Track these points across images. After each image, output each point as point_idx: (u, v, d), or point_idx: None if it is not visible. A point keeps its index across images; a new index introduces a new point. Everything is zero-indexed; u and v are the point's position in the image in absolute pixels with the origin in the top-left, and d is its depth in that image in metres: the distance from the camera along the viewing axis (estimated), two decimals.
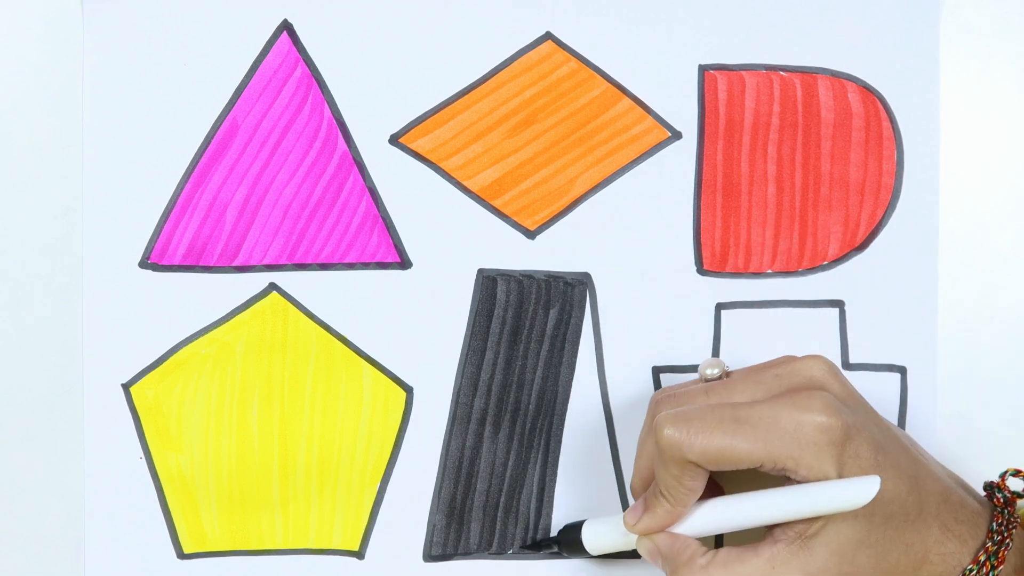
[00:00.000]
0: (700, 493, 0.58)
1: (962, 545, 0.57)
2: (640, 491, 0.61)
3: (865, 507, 0.55)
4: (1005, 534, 0.57)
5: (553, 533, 0.65)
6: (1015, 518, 0.58)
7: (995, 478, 0.60)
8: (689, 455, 0.56)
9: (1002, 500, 0.58)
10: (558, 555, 0.65)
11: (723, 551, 0.57)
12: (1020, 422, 0.66)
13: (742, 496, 0.58)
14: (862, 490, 0.54)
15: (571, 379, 0.65)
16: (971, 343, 0.66)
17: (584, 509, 0.65)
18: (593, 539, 0.62)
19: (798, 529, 0.56)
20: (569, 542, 0.63)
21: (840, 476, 0.55)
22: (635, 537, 0.60)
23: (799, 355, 0.59)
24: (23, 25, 0.65)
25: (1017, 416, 0.66)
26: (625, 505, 0.65)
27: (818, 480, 0.55)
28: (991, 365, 0.66)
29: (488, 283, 0.65)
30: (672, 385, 0.62)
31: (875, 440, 0.56)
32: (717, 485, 0.61)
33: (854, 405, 0.58)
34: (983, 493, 0.60)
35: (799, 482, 0.56)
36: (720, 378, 0.60)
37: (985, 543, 0.57)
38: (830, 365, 0.58)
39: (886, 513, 0.56)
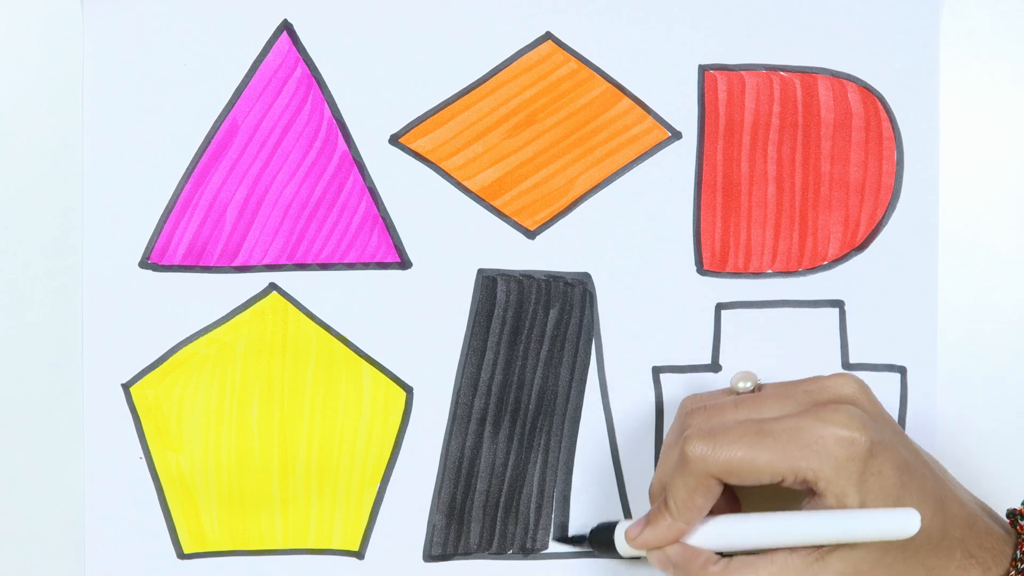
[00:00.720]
0: (705, 513, 0.57)
1: (985, 572, 0.56)
2: (657, 496, 0.60)
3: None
4: None
5: (565, 532, 0.65)
6: None
7: (1019, 505, 0.60)
8: (712, 468, 0.56)
9: None
10: (589, 553, 0.64)
11: (736, 559, 0.57)
12: (1020, 422, 0.66)
13: (775, 515, 0.57)
14: (903, 524, 0.54)
15: (571, 379, 0.65)
16: (971, 343, 0.66)
17: (584, 509, 0.65)
18: (626, 544, 0.61)
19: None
20: (601, 542, 0.63)
21: (860, 492, 0.55)
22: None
23: (829, 374, 0.59)
24: (23, 25, 0.65)
25: (1017, 416, 0.66)
26: (625, 505, 0.65)
27: (837, 496, 0.55)
28: (991, 365, 0.66)
29: (488, 283, 0.65)
30: (702, 394, 0.62)
31: (901, 460, 0.56)
32: (734, 503, 0.61)
33: (882, 424, 0.57)
34: (1007, 520, 0.60)
35: (821, 497, 0.55)
36: (752, 391, 0.60)
37: (1009, 572, 0.56)
38: (861, 383, 0.58)
39: (906, 540, 0.55)
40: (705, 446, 0.56)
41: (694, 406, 0.60)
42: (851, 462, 0.55)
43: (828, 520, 0.55)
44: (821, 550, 0.55)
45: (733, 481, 0.56)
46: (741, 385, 0.60)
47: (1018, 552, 0.57)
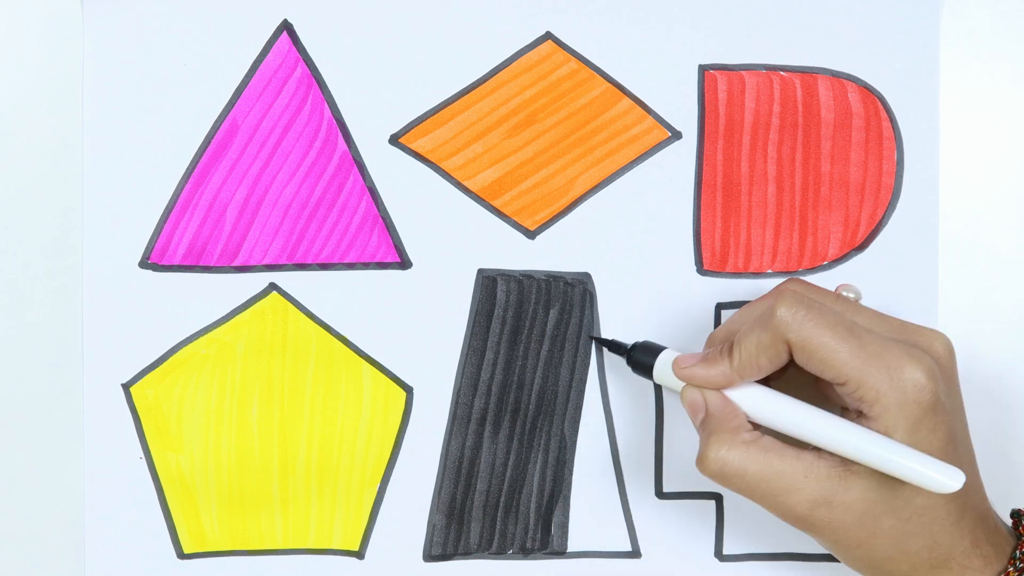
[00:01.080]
0: (762, 375, 0.57)
1: (986, 565, 0.56)
2: (719, 341, 0.59)
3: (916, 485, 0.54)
4: None
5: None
6: None
7: (1022, 505, 0.60)
8: (793, 334, 0.55)
9: None
10: (625, 361, 0.63)
11: (768, 438, 0.56)
12: (1020, 422, 0.66)
13: (829, 414, 0.56)
14: (947, 478, 0.53)
15: (571, 379, 0.65)
16: (971, 343, 0.66)
17: (584, 509, 0.65)
18: (664, 366, 0.60)
19: (848, 461, 0.55)
20: (639, 360, 0.62)
21: (909, 436, 0.54)
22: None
23: (925, 326, 0.59)
24: (23, 25, 0.65)
25: (1017, 416, 0.66)
26: (625, 505, 0.65)
27: (887, 427, 0.54)
28: (991, 365, 0.66)
29: (488, 283, 0.65)
30: (807, 283, 0.60)
31: (955, 431, 0.56)
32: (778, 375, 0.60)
33: (952, 391, 0.57)
34: (1011, 520, 0.60)
35: (870, 421, 0.55)
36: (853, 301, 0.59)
37: (1007, 568, 0.57)
38: (950, 347, 0.58)
39: (929, 503, 0.55)
40: (797, 312, 0.55)
41: (798, 284, 0.59)
42: (915, 405, 0.54)
43: (878, 440, 0.54)
44: (848, 466, 0.55)
45: (803, 360, 0.55)
46: (845, 293, 0.60)
47: (1017, 552, 0.57)
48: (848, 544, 0.56)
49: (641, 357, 0.62)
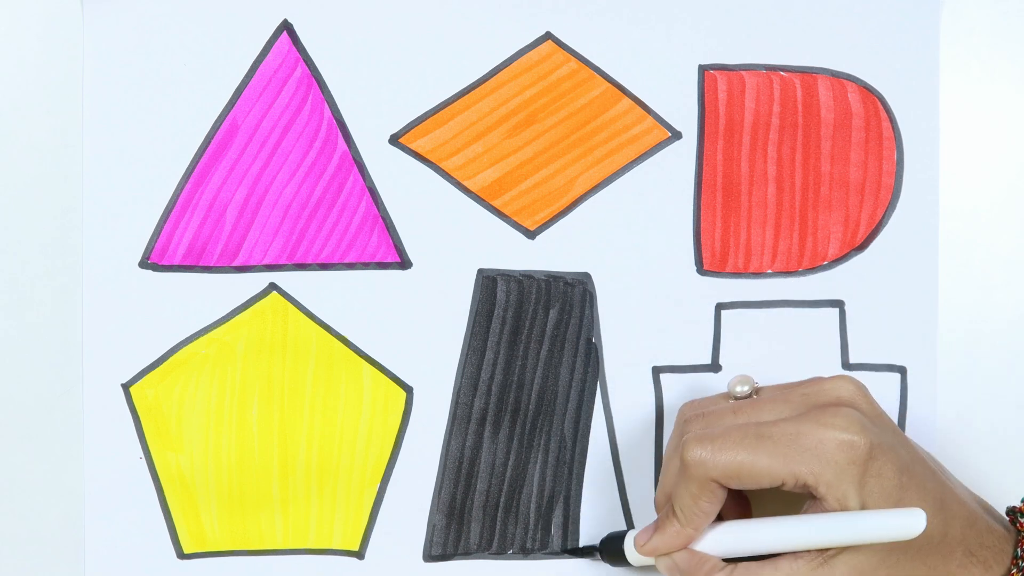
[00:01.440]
0: (712, 517, 0.58)
1: (986, 571, 0.56)
2: (663, 506, 0.61)
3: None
4: None
5: (575, 543, 0.65)
6: None
7: (1018, 503, 0.60)
8: (712, 472, 0.56)
9: None
10: (598, 561, 0.64)
11: (742, 566, 0.57)
12: (1020, 422, 0.66)
13: (781, 519, 0.57)
14: (909, 524, 0.53)
15: (571, 379, 0.65)
16: (971, 343, 0.66)
17: (584, 509, 0.65)
18: (635, 553, 0.61)
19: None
20: (611, 551, 0.63)
21: (861, 495, 0.55)
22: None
23: (827, 376, 0.59)
24: (23, 25, 0.65)
25: (1017, 416, 0.66)
26: (625, 505, 0.65)
27: (838, 499, 0.55)
28: (991, 365, 0.66)
29: (488, 283, 0.65)
30: (700, 400, 0.62)
31: (901, 461, 0.56)
32: (745, 506, 0.61)
33: (881, 426, 0.57)
34: (1007, 517, 0.60)
35: (822, 501, 0.55)
36: (749, 395, 0.60)
37: (1010, 570, 0.56)
38: (859, 385, 0.58)
39: (908, 544, 0.55)
40: (704, 451, 0.56)
41: (692, 413, 0.60)
42: (851, 465, 0.55)
43: (834, 523, 0.55)
44: (826, 554, 0.55)
45: (734, 485, 0.56)
46: (739, 389, 0.60)
47: (1019, 550, 0.57)
48: None
49: (610, 552, 0.63)
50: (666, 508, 0.59)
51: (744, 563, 0.57)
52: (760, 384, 0.61)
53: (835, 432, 0.55)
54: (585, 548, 0.65)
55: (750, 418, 0.58)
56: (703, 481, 0.56)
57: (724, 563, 0.57)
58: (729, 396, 0.60)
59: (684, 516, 0.57)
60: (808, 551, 0.56)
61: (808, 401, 0.58)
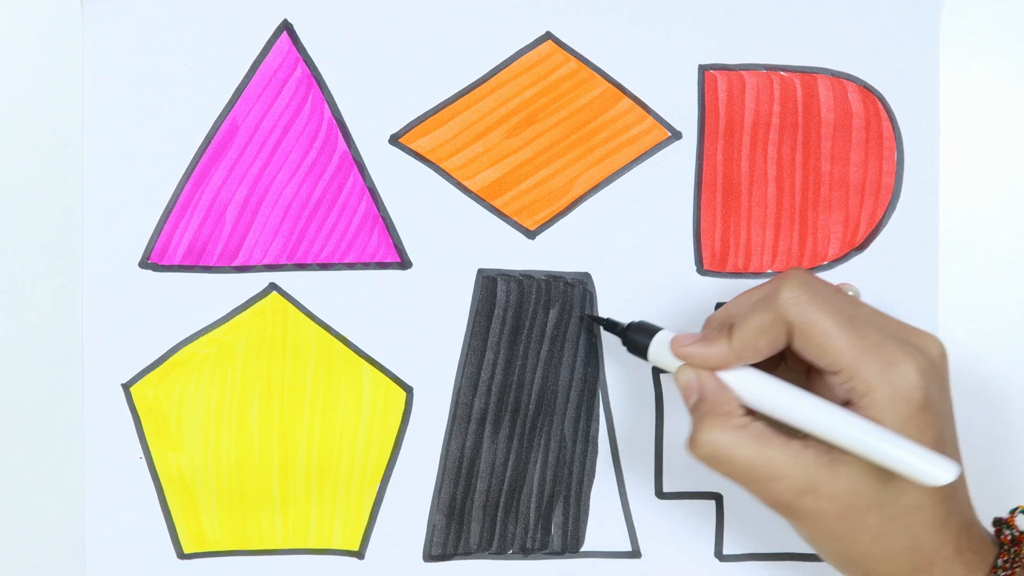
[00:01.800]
0: (760, 357, 0.56)
1: (968, 572, 0.56)
2: (716, 323, 0.59)
3: (904, 483, 0.54)
4: (1008, 571, 0.56)
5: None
6: (1020, 557, 0.57)
7: (1006, 511, 0.60)
8: (794, 315, 0.55)
9: (1009, 538, 0.58)
10: (620, 340, 0.62)
11: (759, 424, 0.55)
12: (1020, 422, 0.66)
13: (820, 400, 0.55)
14: (940, 469, 0.53)
15: (571, 379, 0.65)
16: (971, 343, 0.66)
17: (584, 509, 0.65)
18: (660, 345, 0.59)
19: (835, 451, 0.55)
20: (634, 340, 0.60)
21: (896, 430, 0.54)
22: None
23: (922, 329, 0.58)
24: (23, 25, 0.65)
25: (1017, 416, 0.66)
26: (626, 505, 0.65)
27: (875, 419, 0.54)
28: (991, 365, 0.66)
29: (488, 283, 0.65)
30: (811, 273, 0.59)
31: (942, 434, 0.55)
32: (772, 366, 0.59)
33: (944, 395, 0.57)
34: (993, 529, 0.59)
35: (855, 411, 0.54)
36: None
37: None
38: (944, 353, 0.57)
39: (915, 503, 0.55)
40: (801, 295, 0.55)
41: (802, 271, 0.57)
42: (905, 402, 0.54)
43: (870, 428, 0.54)
44: (836, 455, 0.54)
45: (800, 345, 0.55)
46: (846, 290, 0.59)
47: (998, 560, 0.57)
48: (830, 537, 0.56)
49: (637, 337, 0.60)
50: (722, 326, 0.57)
51: (759, 424, 0.56)
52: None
53: (910, 366, 0.54)
54: (609, 321, 0.63)
55: (850, 305, 0.56)
56: (780, 319, 0.55)
57: (744, 410, 0.56)
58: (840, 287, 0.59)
59: (740, 340, 0.56)
60: (818, 445, 0.55)
61: (902, 331, 0.57)
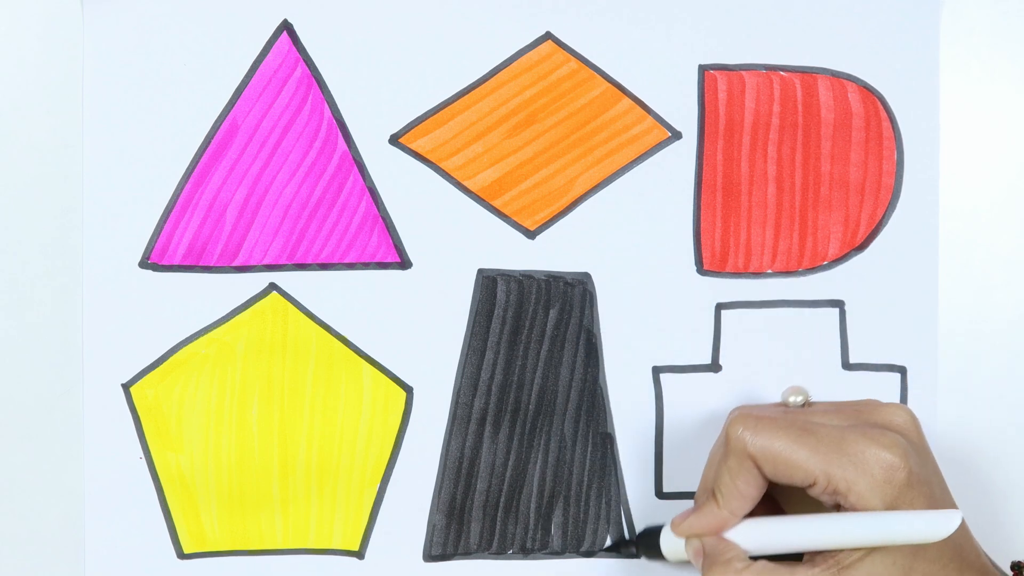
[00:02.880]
0: (749, 504, 0.58)
1: None
2: (701, 494, 0.61)
3: (911, 550, 0.54)
4: None
5: (616, 537, 0.65)
6: None
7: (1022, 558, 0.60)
8: (751, 448, 0.56)
9: None
10: (635, 556, 0.64)
11: (760, 563, 0.57)
12: (1020, 422, 0.66)
13: (811, 517, 0.57)
14: (943, 523, 0.53)
15: (571, 379, 0.65)
16: (971, 343, 0.66)
17: (584, 509, 0.65)
18: (671, 545, 0.61)
19: (838, 557, 0.56)
20: (647, 544, 0.63)
21: None
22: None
23: (884, 401, 0.60)
24: (23, 25, 0.65)
25: (1017, 416, 0.66)
26: (626, 506, 0.65)
27: (865, 511, 0.55)
28: (991, 365, 0.66)
29: (488, 283, 0.65)
30: (752, 405, 0.63)
31: (933, 497, 0.56)
32: (778, 509, 0.61)
33: (924, 459, 0.57)
34: (1011, 573, 0.60)
35: (848, 510, 0.55)
36: (803, 406, 0.60)
37: None
38: (912, 416, 0.59)
39: (928, 568, 0.56)
40: (747, 428, 0.56)
41: (745, 408, 0.60)
42: (888, 485, 0.55)
43: (861, 518, 0.55)
44: (841, 566, 0.55)
45: (770, 472, 0.56)
46: (792, 399, 0.61)
47: None
48: None
49: (646, 544, 0.63)
50: (705, 493, 0.59)
51: (763, 561, 0.57)
52: (813, 399, 0.62)
53: (880, 449, 0.55)
54: (622, 542, 0.65)
55: (800, 416, 0.59)
56: (742, 456, 0.56)
57: (748, 558, 0.57)
58: (782, 405, 0.61)
59: (723, 496, 0.57)
60: (825, 560, 0.56)
61: (860, 418, 0.58)
